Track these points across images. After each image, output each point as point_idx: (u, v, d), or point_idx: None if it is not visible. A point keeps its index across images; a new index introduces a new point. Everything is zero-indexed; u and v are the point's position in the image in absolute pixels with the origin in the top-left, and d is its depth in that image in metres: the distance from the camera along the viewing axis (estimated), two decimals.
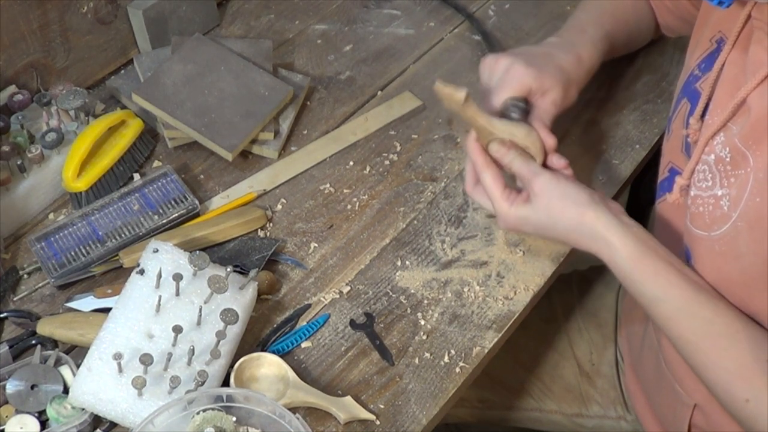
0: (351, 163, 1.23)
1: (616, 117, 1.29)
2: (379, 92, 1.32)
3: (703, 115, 0.99)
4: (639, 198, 1.64)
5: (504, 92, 1.07)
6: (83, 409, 0.94)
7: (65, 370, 0.98)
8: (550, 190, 0.98)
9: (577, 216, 0.97)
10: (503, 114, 1.06)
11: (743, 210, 0.90)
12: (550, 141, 1.04)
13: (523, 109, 1.06)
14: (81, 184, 1.13)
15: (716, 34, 1.00)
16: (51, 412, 0.94)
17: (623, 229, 0.95)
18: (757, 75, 0.90)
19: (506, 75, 1.08)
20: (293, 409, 0.94)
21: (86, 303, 1.05)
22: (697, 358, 0.93)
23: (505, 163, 1.02)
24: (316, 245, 1.13)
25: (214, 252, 1.11)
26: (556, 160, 1.04)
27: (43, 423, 0.95)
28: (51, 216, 1.16)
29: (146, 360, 0.92)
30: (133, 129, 1.18)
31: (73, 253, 1.09)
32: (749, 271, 0.91)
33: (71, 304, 1.05)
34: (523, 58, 1.08)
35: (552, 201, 0.98)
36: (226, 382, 0.97)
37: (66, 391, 0.96)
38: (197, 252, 1.01)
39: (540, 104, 1.08)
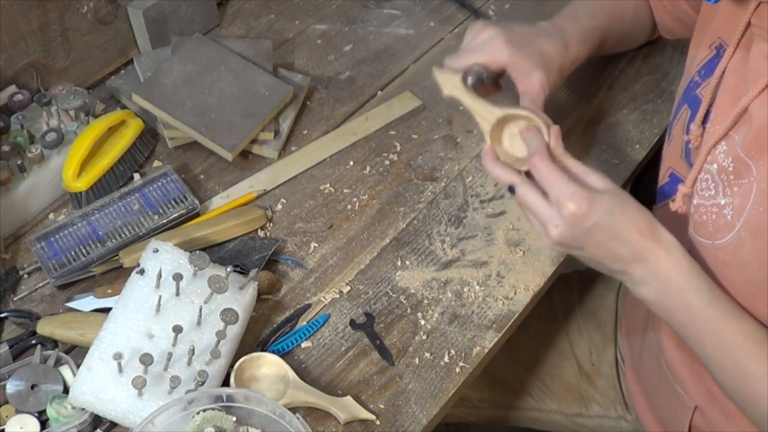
0: (351, 163, 1.23)
1: (616, 117, 1.29)
2: (379, 92, 1.32)
3: (704, 122, 0.99)
4: (639, 198, 1.63)
5: (475, 56, 1.06)
6: (83, 409, 0.94)
7: (65, 370, 0.98)
8: (612, 185, 0.91)
9: (643, 215, 0.91)
10: (463, 76, 1.04)
11: (747, 219, 0.90)
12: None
13: (482, 79, 1.04)
14: (81, 184, 1.13)
15: (716, 40, 1.00)
16: (51, 412, 0.94)
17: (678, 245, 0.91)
18: (758, 84, 0.90)
19: (485, 44, 1.07)
20: (293, 409, 0.94)
21: (86, 303, 1.05)
22: (743, 367, 0.89)
23: (558, 153, 0.93)
24: (316, 245, 1.13)
25: (214, 252, 1.11)
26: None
27: (43, 423, 0.95)
28: (51, 216, 1.16)
29: (146, 360, 0.92)
30: (133, 129, 1.18)
31: (73, 253, 1.09)
32: (754, 279, 0.91)
33: (71, 304, 1.06)
34: (507, 34, 1.08)
35: (622, 194, 0.91)
36: (226, 382, 0.97)
37: (66, 391, 0.96)
38: (197, 252, 1.01)
39: (529, 89, 1.07)
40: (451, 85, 1.03)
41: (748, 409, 0.92)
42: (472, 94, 1.01)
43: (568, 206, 0.87)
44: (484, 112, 0.99)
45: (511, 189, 0.93)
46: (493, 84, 1.09)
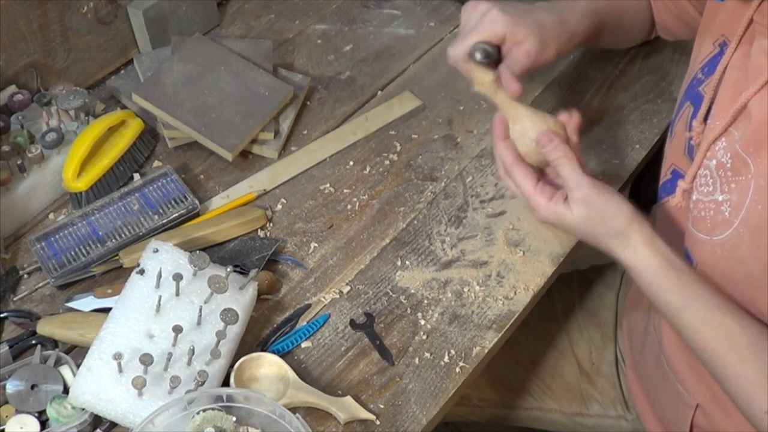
0: (351, 163, 1.23)
1: (616, 117, 1.29)
2: (379, 92, 1.32)
3: (706, 119, 0.99)
4: (639, 198, 1.64)
5: (475, 36, 1.07)
6: (83, 409, 0.94)
7: (65, 370, 0.98)
8: (591, 204, 0.97)
9: (618, 226, 0.96)
10: (470, 56, 1.06)
11: (745, 216, 0.90)
12: (514, 86, 1.03)
13: (489, 53, 1.06)
14: (81, 184, 1.13)
15: (719, 37, 1.00)
16: (51, 412, 0.94)
17: (653, 240, 0.95)
18: (758, 80, 0.90)
19: (481, 19, 1.07)
20: (293, 409, 0.94)
21: (86, 303, 1.05)
22: (719, 369, 0.93)
23: (552, 159, 1.00)
24: (316, 245, 1.13)
25: (214, 252, 1.11)
26: (573, 119, 1.04)
27: (43, 423, 0.95)
28: (51, 216, 1.16)
29: (146, 360, 0.92)
30: (133, 129, 1.18)
31: (73, 253, 1.09)
32: (753, 275, 0.91)
33: (71, 304, 1.06)
34: (501, 5, 1.08)
35: (591, 213, 0.97)
36: (226, 382, 0.97)
37: (66, 391, 0.96)
38: (197, 252, 1.01)
39: (513, 54, 1.08)
40: (486, 82, 1.04)
41: (733, 401, 0.94)
42: (503, 93, 1.03)
43: (535, 215, 1.02)
44: (514, 112, 1.03)
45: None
46: (500, 56, 1.09)
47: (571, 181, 0.99)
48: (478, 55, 1.05)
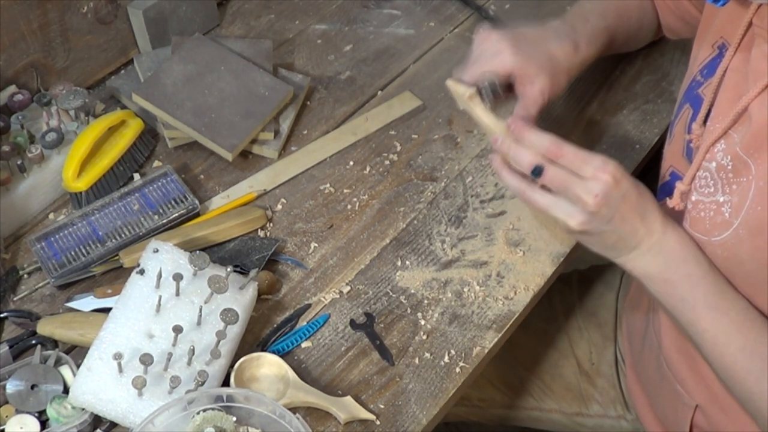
0: (351, 163, 1.23)
1: (616, 117, 1.29)
2: (379, 92, 1.32)
3: (705, 121, 0.99)
4: None
5: (481, 66, 1.06)
6: (83, 409, 0.94)
7: (65, 370, 0.98)
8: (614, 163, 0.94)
9: (658, 206, 0.95)
10: (477, 87, 1.04)
11: (744, 218, 0.91)
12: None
13: (494, 87, 1.05)
14: (81, 184, 1.13)
15: (718, 40, 1.00)
16: (51, 412, 0.94)
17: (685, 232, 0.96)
18: (759, 83, 0.90)
19: (491, 52, 1.07)
20: (293, 409, 0.94)
21: (86, 303, 1.05)
22: (734, 342, 0.91)
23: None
24: (316, 245, 1.13)
25: (214, 252, 1.11)
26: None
27: (43, 423, 0.95)
28: (51, 216, 1.16)
29: (146, 360, 0.92)
30: (133, 129, 1.18)
31: (73, 253, 1.09)
32: (753, 275, 0.91)
33: (71, 304, 1.06)
34: (513, 39, 1.07)
35: (635, 181, 0.95)
36: (226, 382, 0.97)
37: (66, 391, 0.96)
38: (197, 252, 1.01)
39: (528, 93, 1.07)
40: (466, 99, 1.02)
41: (735, 388, 0.93)
42: (486, 110, 1.02)
43: (605, 176, 0.91)
44: (497, 129, 1.00)
45: (536, 171, 0.94)
46: (507, 90, 1.09)
47: (583, 151, 0.94)
48: (485, 92, 1.04)
